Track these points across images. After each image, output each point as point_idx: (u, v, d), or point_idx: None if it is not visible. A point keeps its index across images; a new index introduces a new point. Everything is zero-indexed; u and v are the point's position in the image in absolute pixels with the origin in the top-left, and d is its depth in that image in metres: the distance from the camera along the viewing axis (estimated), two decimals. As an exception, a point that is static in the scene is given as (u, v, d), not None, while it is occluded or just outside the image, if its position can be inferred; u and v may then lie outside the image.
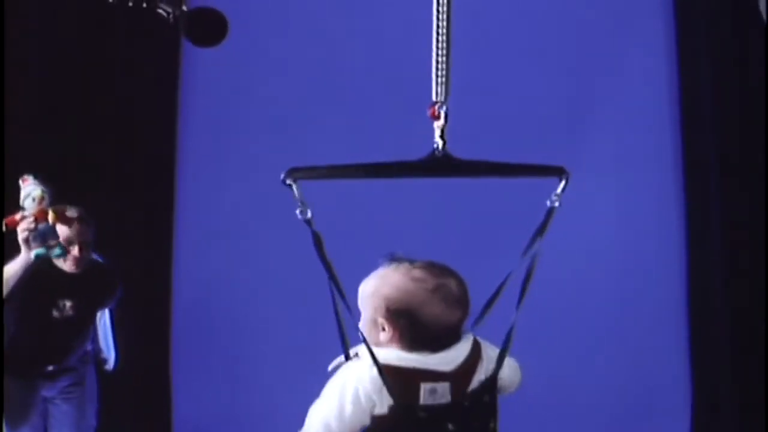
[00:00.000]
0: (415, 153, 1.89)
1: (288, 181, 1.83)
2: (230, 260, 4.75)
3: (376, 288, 1.91)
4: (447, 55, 1.84)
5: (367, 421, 1.85)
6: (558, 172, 1.90)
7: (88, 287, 3.74)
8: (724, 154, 4.78)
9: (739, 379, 4.73)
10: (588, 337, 4.74)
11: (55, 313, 3.70)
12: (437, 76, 1.85)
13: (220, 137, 4.80)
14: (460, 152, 1.90)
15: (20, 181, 3.42)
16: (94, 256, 3.90)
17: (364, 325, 1.91)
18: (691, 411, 4.82)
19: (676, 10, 4.90)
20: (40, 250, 3.37)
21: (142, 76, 4.66)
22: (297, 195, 1.82)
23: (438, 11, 1.84)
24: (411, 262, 1.93)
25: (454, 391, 1.86)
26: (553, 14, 4.82)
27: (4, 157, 3.61)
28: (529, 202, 1.99)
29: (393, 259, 1.95)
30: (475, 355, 1.92)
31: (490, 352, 1.95)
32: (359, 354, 1.89)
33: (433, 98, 1.86)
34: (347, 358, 1.90)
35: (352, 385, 1.84)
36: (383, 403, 1.83)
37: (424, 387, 1.84)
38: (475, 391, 1.89)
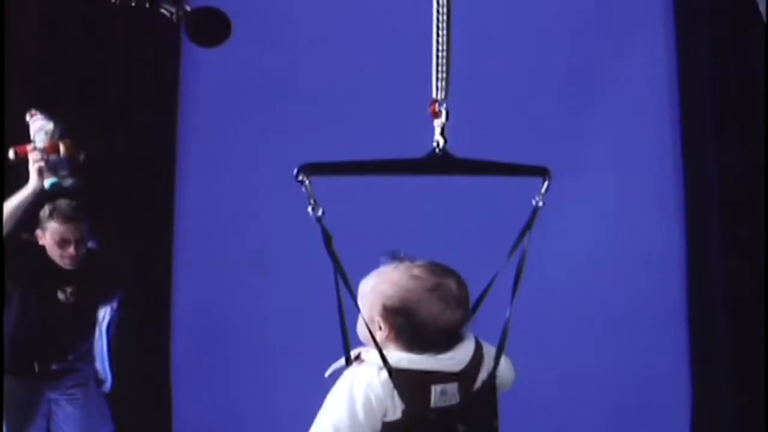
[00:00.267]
0: (414, 152, 1.89)
1: (300, 178, 1.78)
2: (230, 260, 4.75)
3: (374, 285, 1.90)
4: (447, 53, 1.84)
5: (378, 427, 1.82)
6: (541, 172, 1.90)
7: (88, 275, 3.76)
8: (725, 154, 4.78)
9: (739, 379, 4.72)
10: (588, 337, 4.74)
11: (60, 296, 3.71)
12: (437, 73, 1.84)
13: (220, 138, 4.80)
14: (460, 151, 1.90)
15: (27, 116, 3.45)
16: (93, 247, 3.92)
17: (361, 324, 1.89)
18: (691, 411, 4.82)
19: (676, 10, 4.90)
20: (54, 180, 3.40)
21: (142, 76, 4.66)
22: (309, 192, 1.79)
23: (438, 10, 1.84)
24: (412, 261, 1.92)
25: (462, 392, 1.85)
26: (554, 14, 4.83)
27: (4, 158, 3.61)
28: (529, 203, 1.99)
29: (394, 257, 1.94)
30: (478, 355, 1.91)
31: (490, 352, 1.94)
32: (362, 357, 1.87)
33: (434, 96, 1.85)
34: (348, 360, 1.87)
35: (362, 390, 1.81)
36: (396, 409, 1.81)
37: (435, 389, 1.82)
38: (480, 391, 1.88)
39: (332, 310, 1.83)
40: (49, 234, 3.69)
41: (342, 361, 1.89)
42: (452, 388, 1.84)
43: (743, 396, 4.69)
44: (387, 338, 1.86)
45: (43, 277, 3.70)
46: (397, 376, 1.80)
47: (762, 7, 4.35)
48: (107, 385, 4.16)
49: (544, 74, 4.79)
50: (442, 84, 1.85)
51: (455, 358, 1.86)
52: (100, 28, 4.52)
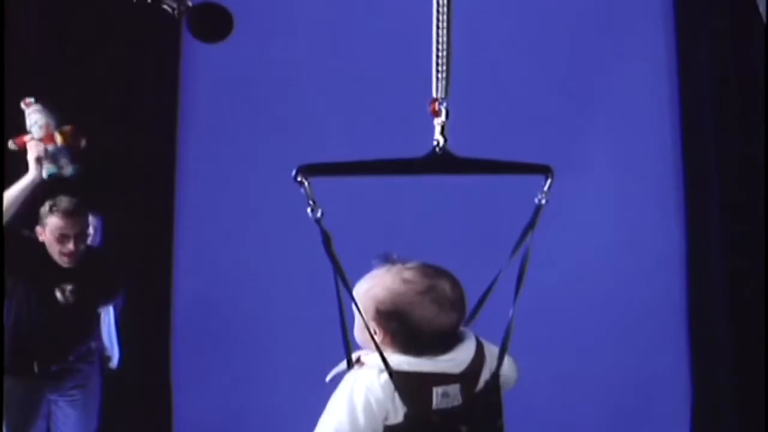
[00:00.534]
0: (414, 151, 1.88)
1: (299, 179, 1.76)
2: (230, 260, 4.76)
3: (368, 290, 1.87)
4: (447, 52, 1.83)
5: (380, 431, 1.81)
6: (544, 170, 1.89)
7: (87, 273, 3.76)
8: (724, 155, 4.78)
9: (739, 379, 4.72)
10: (587, 337, 4.74)
11: (59, 295, 3.71)
12: (437, 72, 1.84)
13: (220, 137, 4.80)
14: (460, 151, 1.89)
15: (22, 104, 3.45)
16: (95, 246, 3.92)
17: (357, 331, 1.87)
18: (691, 410, 4.82)
19: (676, 10, 4.90)
20: (53, 169, 3.40)
21: (142, 75, 4.66)
22: (308, 193, 1.76)
23: (438, 8, 1.84)
24: (404, 263, 1.90)
25: (464, 393, 1.83)
26: (554, 13, 4.83)
27: (4, 157, 3.61)
28: (531, 202, 1.98)
29: (387, 260, 1.91)
30: (480, 355, 1.89)
31: (491, 351, 1.92)
32: (362, 360, 1.85)
33: (434, 95, 1.84)
34: (349, 362, 1.85)
35: (362, 394, 1.80)
36: (397, 412, 1.79)
37: (437, 391, 1.80)
38: (483, 391, 1.87)
39: (332, 311, 1.81)
40: (48, 229, 3.69)
41: (343, 365, 1.87)
42: (454, 389, 1.82)
43: (743, 396, 4.69)
44: (382, 342, 1.84)
45: (42, 275, 3.70)
46: (398, 379, 1.78)
47: (762, 7, 4.35)
48: (114, 362, 4.15)
49: (543, 74, 4.79)
50: (442, 83, 1.84)
51: (455, 360, 1.84)
52: (100, 25, 4.52)
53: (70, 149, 3.46)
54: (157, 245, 4.74)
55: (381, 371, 1.80)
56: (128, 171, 4.59)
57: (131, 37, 4.57)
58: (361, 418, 1.79)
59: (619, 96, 4.84)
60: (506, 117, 4.72)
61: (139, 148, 4.64)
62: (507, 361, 1.93)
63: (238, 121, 4.80)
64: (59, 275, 3.72)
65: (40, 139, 3.42)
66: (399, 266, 1.89)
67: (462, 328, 1.91)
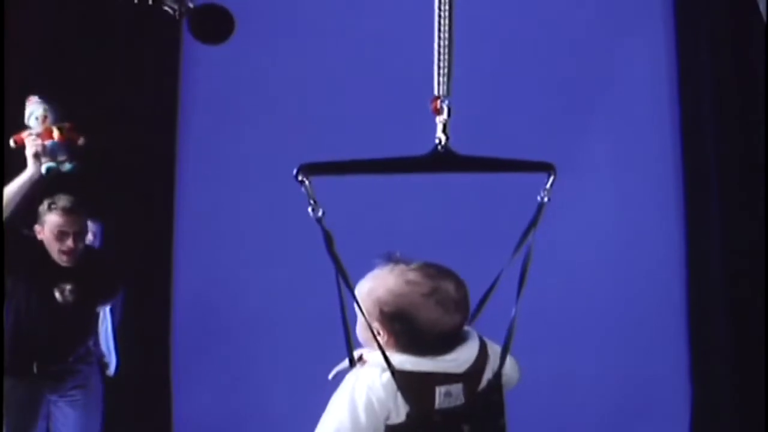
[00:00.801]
0: (416, 149, 1.88)
1: (300, 178, 1.75)
2: (230, 260, 4.75)
3: (371, 291, 1.85)
4: (449, 49, 1.83)
5: (381, 431, 1.79)
6: (546, 168, 1.89)
7: (86, 274, 3.75)
8: (724, 154, 4.78)
9: (738, 379, 4.73)
10: (587, 337, 4.74)
11: (58, 295, 3.70)
12: (439, 70, 1.83)
13: (220, 137, 4.80)
14: (462, 149, 1.89)
15: (26, 102, 3.47)
16: (94, 246, 3.92)
17: (360, 329, 1.86)
18: (691, 410, 4.82)
19: (676, 10, 4.90)
20: (51, 164, 3.41)
21: (142, 76, 4.66)
22: (309, 192, 1.75)
23: (440, 7, 1.83)
24: (407, 263, 1.87)
25: (466, 392, 1.82)
26: (555, 13, 4.83)
27: (6, 153, 3.62)
28: (532, 200, 1.98)
29: (389, 259, 1.89)
30: (483, 354, 1.88)
31: (495, 351, 1.91)
32: (364, 358, 1.84)
33: (435, 93, 1.84)
34: (351, 361, 1.84)
35: (364, 393, 1.78)
36: (399, 411, 1.78)
37: (439, 390, 1.79)
38: (485, 390, 1.86)
39: (333, 311, 1.80)
40: (47, 227, 3.69)
41: (345, 363, 1.86)
42: (456, 389, 1.81)
43: (743, 396, 4.69)
44: (386, 344, 1.83)
45: (41, 274, 3.69)
46: (400, 378, 1.77)
47: (762, 8, 4.36)
48: (111, 368, 4.16)
49: (544, 73, 4.79)
50: (443, 81, 1.84)
51: (458, 360, 1.83)
52: (100, 25, 4.52)
53: (68, 145, 3.45)
54: (157, 245, 4.74)
55: (383, 370, 1.79)
56: (128, 171, 4.59)
57: (131, 37, 4.57)
58: (362, 418, 1.78)
59: (620, 96, 4.85)
60: (507, 116, 4.72)
61: (139, 148, 4.64)
62: (509, 360, 1.92)
63: (238, 121, 4.80)
64: (58, 275, 3.71)
65: (38, 135, 3.43)
66: (402, 266, 1.87)
67: (465, 327, 1.90)
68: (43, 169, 3.42)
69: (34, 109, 3.46)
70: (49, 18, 4.53)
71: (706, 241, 4.83)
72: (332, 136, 4.44)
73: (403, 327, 1.82)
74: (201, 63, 4.68)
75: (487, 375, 1.87)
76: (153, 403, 4.74)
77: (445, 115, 1.84)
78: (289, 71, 4.76)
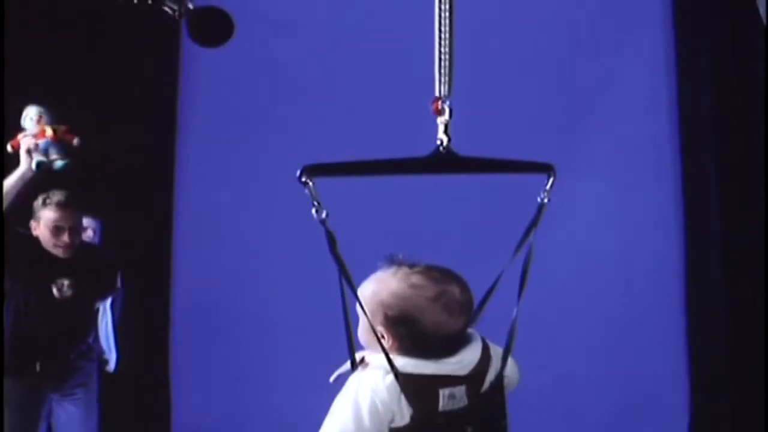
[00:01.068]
0: (417, 150, 1.88)
1: (304, 179, 1.73)
2: (230, 260, 4.75)
3: (374, 294, 1.83)
4: (450, 50, 1.82)
5: None
6: (546, 169, 1.88)
7: (83, 269, 3.76)
8: (724, 155, 4.79)
9: (737, 379, 4.73)
10: (587, 337, 4.75)
11: (55, 292, 3.71)
12: (440, 70, 1.83)
13: (220, 137, 4.80)
14: (462, 150, 1.88)
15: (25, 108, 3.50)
16: (90, 242, 3.92)
17: (362, 331, 1.84)
18: (690, 410, 4.82)
19: (675, 11, 4.91)
20: (41, 159, 3.42)
21: (142, 76, 4.66)
22: (313, 193, 1.73)
23: (440, 7, 1.83)
24: (411, 265, 1.85)
25: (469, 394, 1.81)
26: (555, 13, 4.83)
27: (5, 157, 3.62)
28: (533, 201, 1.98)
29: (392, 261, 1.87)
30: (486, 356, 1.87)
31: (497, 352, 1.90)
32: (366, 361, 1.83)
33: (436, 93, 1.83)
34: (353, 364, 1.82)
35: (368, 396, 1.76)
36: (403, 414, 1.77)
37: (443, 392, 1.78)
38: (488, 392, 1.85)
39: (334, 312, 1.79)
40: (42, 222, 3.70)
41: (347, 365, 1.84)
42: (460, 391, 1.80)
43: (742, 396, 4.69)
44: (390, 347, 1.81)
45: (38, 271, 3.70)
46: (404, 381, 1.76)
47: (762, 8, 4.36)
48: (111, 364, 4.16)
49: (545, 73, 4.80)
50: (445, 82, 1.83)
51: (462, 362, 1.82)
52: (100, 25, 4.52)
53: (62, 144, 3.47)
54: (157, 245, 4.74)
55: (386, 373, 1.77)
56: (128, 170, 4.59)
57: (131, 37, 4.57)
58: (366, 421, 1.76)
59: (620, 96, 4.85)
60: (507, 116, 4.72)
61: (139, 148, 4.64)
62: (509, 362, 1.92)
63: (238, 121, 4.80)
64: (55, 270, 3.72)
65: (33, 135, 3.44)
66: (405, 269, 1.85)
67: (469, 330, 1.89)
68: (33, 164, 3.43)
69: (29, 111, 3.48)
70: (49, 18, 4.53)
71: (706, 241, 4.83)
72: (333, 138, 4.43)
73: (408, 331, 1.81)
74: (201, 63, 4.68)
75: (490, 376, 1.86)
76: (152, 403, 4.74)
77: (446, 116, 1.84)
78: (290, 72, 4.76)
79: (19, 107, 3.54)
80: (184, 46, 4.69)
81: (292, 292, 4.63)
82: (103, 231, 4.33)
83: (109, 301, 4.18)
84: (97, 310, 4.04)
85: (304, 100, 4.75)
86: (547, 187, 1.87)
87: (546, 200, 1.88)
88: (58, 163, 3.45)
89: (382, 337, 1.82)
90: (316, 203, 1.74)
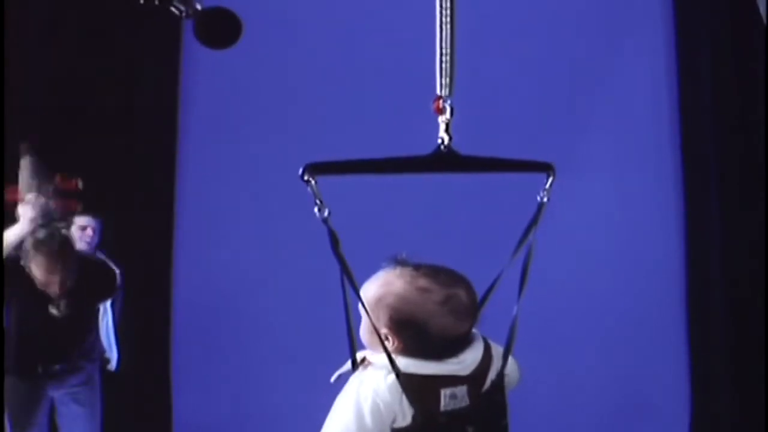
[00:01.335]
0: (416, 149, 1.88)
1: (306, 177, 1.73)
2: (230, 260, 4.75)
3: (380, 297, 1.81)
4: (451, 50, 1.82)
5: None
6: (545, 168, 1.88)
7: (81, 285, 3.74)
8: (724, 154, 4.79)
9: (737, 379, 4.73)
10: (587, 337, 4.75)
11: (53, 311, 3.70)
12: (441, 70, 1.83)
13: (221, 137, 4.80)
14: (463, 149, 1.88)
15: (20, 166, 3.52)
16: (86, 254, 3.92)
17: (364, 332, 1.83)
18: (690, 410, 4.82)
19: (675, 10, 4.91)
20: (42, 237, 3.52)
21: (143, 76, 4.66)
22: (315, 192, 1.73)
23: (442, 5, 1.83)
24: (415, 267, 1.84)
25: (471, 394, 1.80)
26: (555, 13, 4.83)
27: (5, 156, 3.62)
28: (534, 200, 1.98)
29: (396, 262, 1.86)
30: (488, 356, 1.86)
31: (498, 352, 1.90)
32: (368, 361, 1.82)
33: (438, 92, 1.83)
34: (354, 363, 1.82)
35: (369, 396, 1.75)
36: (405, 414, 1.76)
37: (444, 392, 1.77)
38: (489, 391, 1.85)
39: (335, 312, 1.77)
40: (34, 266, 3.66)
41: (348, 365, 1.84)
42: (461, 391, 1.79)
43: (742, 396, 4.70)
44: (395, 349, 1.80)
45: (35, 296, 3.68)
46: (405, 381, 1.75)
47: (762, 8, 4.36)
48: (113, 363, 4.16)
49: (545, 73, 4.80)
50: (446, 81, 1.83)
51: (464, 363, 1.82)
52: (100, 25, 4.52)
53: (66, 207, 3.51)
54: (158, 245, 4.74)
55: (388, 373, 1.77)
56: (128, 171, 4.59)
57: (132, 37, 4.56)
58: (368, 421, 1.76)
59: (620, 95, 4.85)
60: (507, 116, 4.72)
61: (139, 149, 4.64)
62: (509, 361, 1.92)
63: (238, 121, 4.80)
64: (51, 296, 3.71)
65: (33, 208, 3.51)
66: (410, 270, 1.84)
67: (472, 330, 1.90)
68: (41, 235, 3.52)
69: (26, 182, 3.51)
70: (49, 18, 4.53)
71: (706, 241, 4.83)
72: (334, 137, 4.43)
73: (414, 334, 1.80)
74: (201, 62, 4.67)
75: (491, 376, 1.86)
76: (152, 403, 4.74)
77: (447, 115, 1.84)
78: (291, 71, 4.76)
79: (19, 108, 3.54)
80: (184, 45, 4.69)
81: (292, 292, 4.63)
82: (102, 230, 4.33)
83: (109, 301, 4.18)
84: (98, 310, 4.04)
85: (305, 100, 4.75)
86: (547, 186, 1.87)
87: (545, 199, 1.87)
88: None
89: (386, 338, 1.81)
90: (318, 202, 1.74)
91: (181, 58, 4.75)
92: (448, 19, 1.83)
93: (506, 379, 1.91)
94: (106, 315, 4.14)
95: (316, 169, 1.74)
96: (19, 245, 3.57)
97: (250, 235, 4.76)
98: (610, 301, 4.79)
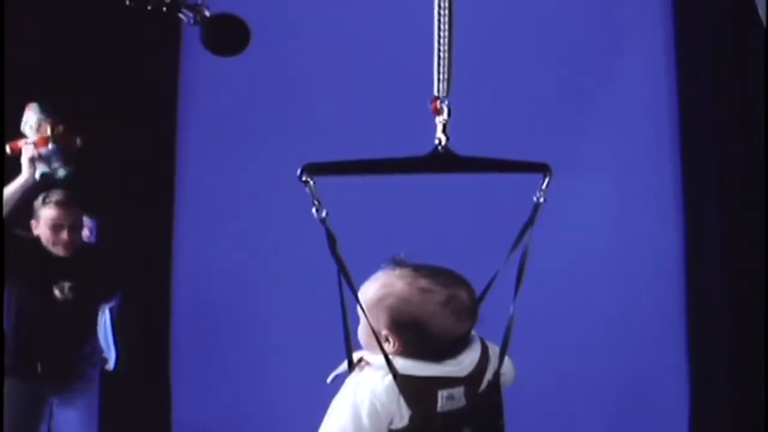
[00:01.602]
0: (413, 150, 1.88)
1: (304, 178, 1.74)
2: (230, 260, 4.75)
3: (380, 298, 1.81)
4: (449, 50, 1.83)
5: None
6: (542, 169, 1.88)
7: (85, 270, 3.77)
8: (723, 155, 4.79)
9: (737, 379, 4.73)
10: (586, 337, 4.74)
11: (57, 293, 3.72)
12: (439, 70, 1.83)
13: (220, 136, 4.80)
14: (459, 149, 1.89)
15: (26, 108, 3.51)
16: (92, 244, 3.93)
17: (362, 333, 1.84)
18: (690, 410, 4.82)
19: (675, 12, 4.91)
20: (45, 170, 3.44)
21: (143, 76, 4.66)
22: (313, 193, 1.74)
23: (440, 5, 1.83)
24: (415, 267, 1.84)
25: (468, 394, 1.81)
26: (555, 13, 4.83)
27: (5, 157, 3.62)
28: (531, 201, 1.98)
29: (395, 262, 1.86)
30: (485, 357, 1.87)
31: (495, 352, 1.90)
32: (365, 361, 1.82)
33: (435, 93, 1.84)
34: (350, 364, 1.82)
35: (366, 397, 1.76)
36: (402, 416, 1.76)
37: (442, 394, 1.77)
38: (485, 391, 1.85)
39: (333, 312, 1.79)
40: (42, 221, 3.73)
41: (344, 366, 1.84)
42: (459, 392, 1.80)
43: (742, 396, 4.69)
44: (394, 351, 1.80)
45: (39, 272, 3.71)
46: (403, 382, 1.76)
47: (762, 9, 4.35)
48: (111, 363, 4.16)
49: (544, 73, 4.80)
50: (443, 81, 1.84)
51: (462, 364, 1.82)
52: (100, 26, 4.52)
53: (63, 150, 3.48)
54: (157, 246, 4.74)
55: (385, 374, 1.77)
56: (128, 172, 4.59)
57: (132, 38, 4.56)
58: (365, 423, 1.76)
59: (619, 95, 4.85)
60: (506, 116, 4.72)
61: (139, 150, 4.64)
62: (505, 360, 1.92)
63: (237, 121, 4.80)
64: (57, 272, 3.74)
65: (34, 143, 3.45)
66: (410, 271, 1.84)
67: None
68: (37, 175, 3.47)
69: (28, 118, 3.49)
70: (49, 18, 4.53)
71: (706, 241, 4.83)
72: (331, 137, 4.44)
73: (415, 335, 1.80)
74: (201, 63, 4.67)
75: (488, 376, 1.86)
76: (152, 403, 4.74)
77: (444, 116, 1.84)
78: (289, 71, 4.76)
79: (18, 108, 3.55)
80: (184, 46, 4.69)
81: (292, 292, 4.63)
82: (98, 229, 4.33)
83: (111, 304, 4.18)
84: (99, 312, 4.04)
85: (304, 101, 4.75)
86: (543, 186, 1.88)
87: (542, 200, 1.88)
88: (61, 173, 3.48)
89: (386, 340, 1.81)
90: (316, 202, 1.75)
91: (181, 59, 4.75)
92: (446, 19, 1.84)
93: (501, 379, 1.91)
94: (103, 314, 4.15)
95: (314, 169, 1.75)
96: (24, 203, 3.57)
97: (250, 235, 4.77)
98: (609, 301, 4.79)
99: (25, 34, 4.37)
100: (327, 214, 1.75)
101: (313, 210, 1.75)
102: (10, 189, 3.50)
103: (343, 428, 1.77)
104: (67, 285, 3.74)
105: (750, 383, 4.63)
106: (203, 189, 4.82)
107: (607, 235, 4.81)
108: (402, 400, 1.76)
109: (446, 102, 1.85)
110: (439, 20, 1.84)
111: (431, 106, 1.84)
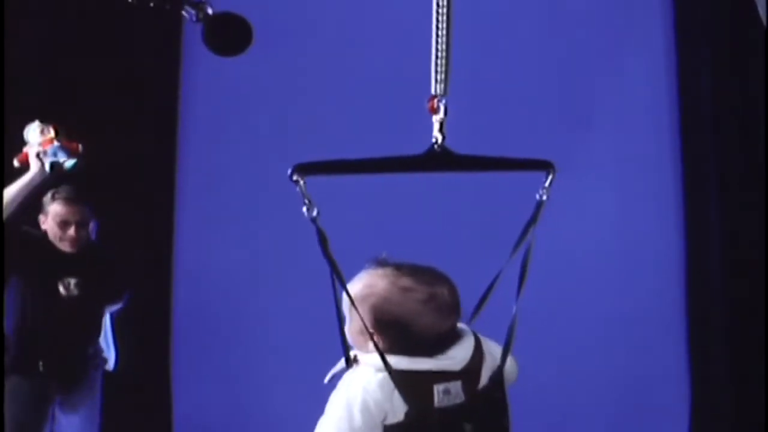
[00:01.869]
0: (412, 148, 1.88)
1: (294, 178, 1.76)
2: (230, 260, 4.75)
3: (363, 297, 1.82)
4: (447, 49, 1.83)
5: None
6: (545, 166, 1.88)
7: (90, 268, 3.78)
8: (723, 155, 4.79)
9: (737, 379, 4.72)
10: (586, 336, 4.74)
11: (62, 290, 3.73)
12: (436, 68, 1.83)
13: (220, 136, 4.80)
14: (459, 148, 1.88)
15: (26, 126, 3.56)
16: (98, 243, 3.94)
17: (351, 332, 1.85)
18: (690, 410, 4.82)
19: (675, 11, 4.91)
20: (54, 160, 3.48)
21: (143, 76, 4.66)
22: (303, 192, 1.75)
23: (438, 5, 1.83)
24: (397, 266, 1.85)
25: (466, 390, 1.81)
26: (554, 11, 4.83)
27: (5, 157, 3.63)
28: (531, 199, 1.98)
29: (377, 262, 1.87)
30: (479, 351, 1.87)
31: (489, 347, 1.90)
32: (359, 359, 1.83)
33: (432, 92, 1.84)
34: (348, 361, 1.83)
35: (359, 395, 1.77)
36: (396, 411, 1.76)
37: (437, 388, 1.78)
38: (486, 389, 1.85)
39: (331, 311, 1.80)
40: (50, 216, 3.76)
41: (341, 364, 1.86)
42: (455, 386, 1.80)
43: (742, 396, 4.69)
44: (382, 349, 1.80)
45: (45, 268, 3.73)
46: (397, 377, 1.76)
47: (762, 9, 4.35)
48: (110, 364, 4.16)
49: (543, 72, 4.80)
50: (440, 80, 1.84)
51: (455, 358, 1.82)
52: (100, 26, 4.52)
53: (68, 148, 3.52)
54: (157, 246, 4.74)
55: (378, 370, 1.78)
56: (128, 173, 4.59)
57: (132, 37, 4.56)
58: (358, 420, 1.76)
59: (619, 95, 4.85)
60: (505, 115, 4.72)
61: (140, 150, 4.64)
62: (508, 358, 1.92)
63: (237, 121, 4.80)
64: (62, 268, 3.75)
65: (39, 144, 3.49)
66: (392, 270, 1.85)
67: (459, 326, 1.89)
68: (47, 166, 3.48)
69: (30, 126, 3.55)
70: (49, 18, 4.53)
71: (706, 241, 4.83)
72: (329, 136, 4.44)
73: (398, 333, 1.81)
74: (201, 63, 4.68)
75: (487, 372, 1.86)
76: (152, 402, 4.74)
77: (441, 114, 1.84)
78: (287, 71, 4.76)
79: (18, 108, 3.56)
80: (184, 46, 4.69)
81: (292, 292, 4.63)
82: (98, 230, 4.33)
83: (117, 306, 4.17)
84: (103, 313, 4.04)
85: (302, 100, 4.75)
86: (546, 184, 1.87)
87: (545, 197, 1.88)
88: (69, 164, 3.51)
89: (372, 339, 1.81)
90: (306, 201, 1.76)
91: (181, 59, 4.75)
92: (444, 17, 1.84)
93: (505, 377, 1.91)
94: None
95: (304, 169, 1.75)
96: (33, 199, 3.58)
97: (250, 235, 4.77)
98: (610, 300, 4.78)
99: (25, 33, 4.37)
100: (318, 213, 1.76)
101: (304, 209, 1.76)
102: (19, 184, 3.52)
103: (337, 426, 1.78)
104: (72, 281, 3.75)
105: (750, 383, 4.63)
106: (203, 189, 4.82)
107: (607, 235, 4.80)
108: (396, 395, 1.76)
109: (443, 101, 1.85)
110: (437, 19, 1.83)
111: (428, 105, 1.84)
